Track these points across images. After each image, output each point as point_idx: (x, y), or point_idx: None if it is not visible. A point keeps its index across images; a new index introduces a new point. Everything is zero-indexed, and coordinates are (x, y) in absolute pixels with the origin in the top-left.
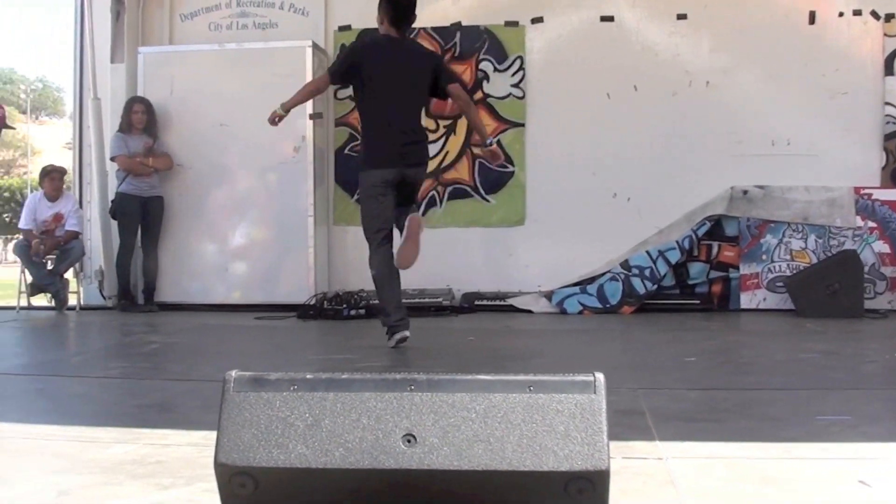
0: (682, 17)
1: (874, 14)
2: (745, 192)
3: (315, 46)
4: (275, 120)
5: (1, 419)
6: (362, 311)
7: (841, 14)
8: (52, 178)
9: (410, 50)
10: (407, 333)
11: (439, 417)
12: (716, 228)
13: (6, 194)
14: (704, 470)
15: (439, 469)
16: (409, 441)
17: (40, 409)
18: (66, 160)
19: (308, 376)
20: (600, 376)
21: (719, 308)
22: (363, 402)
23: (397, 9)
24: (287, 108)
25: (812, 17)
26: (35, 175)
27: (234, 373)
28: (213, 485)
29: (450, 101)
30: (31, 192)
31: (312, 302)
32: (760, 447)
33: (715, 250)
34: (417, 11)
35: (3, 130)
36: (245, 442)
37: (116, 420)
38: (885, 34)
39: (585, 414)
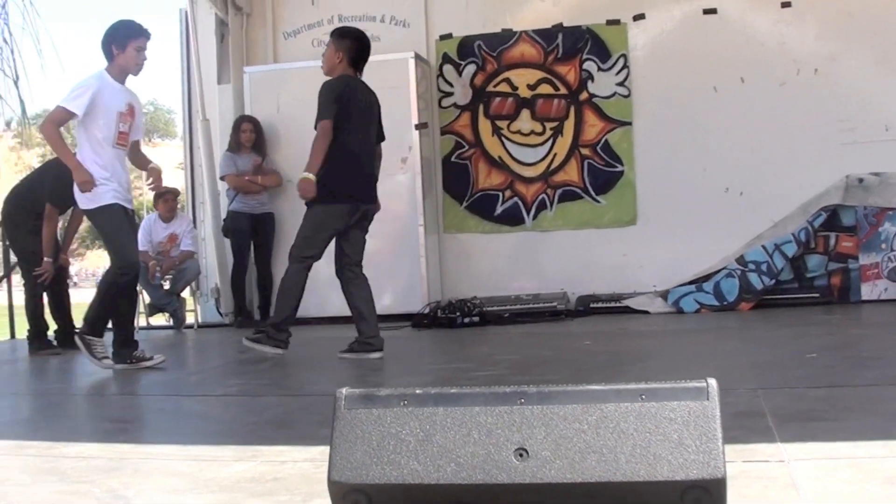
0: (786, 4)
1: None
2: (861, 180)
3: (417, 57)
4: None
5: (123, 440)
6: (476, 319)
7: None
8: (166, 199)
9: (370, 92)
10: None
11: (551, 430)
12: (832, 219)
13: None
14: (828, 471)
15: (553, 483)
16: (521, 455)
17: (161, 428)
18: (178, 181)
19: (418, 391)
20: (713, 382)
21: (839, 300)
22: (473, 416)
23: (360, 50)
24: (315, 171)
25: None
26: (149, 197)
27: (344, 390)
28: (329, 501)
29: (555, 102)
30: (147, 213)
31: (426, 311)
32: (886, 446)
33: (833, 241)
34: (518, 14)
35: None
36: (357, 459)
37: (235, 437)
38: None
39: (699, 421)
